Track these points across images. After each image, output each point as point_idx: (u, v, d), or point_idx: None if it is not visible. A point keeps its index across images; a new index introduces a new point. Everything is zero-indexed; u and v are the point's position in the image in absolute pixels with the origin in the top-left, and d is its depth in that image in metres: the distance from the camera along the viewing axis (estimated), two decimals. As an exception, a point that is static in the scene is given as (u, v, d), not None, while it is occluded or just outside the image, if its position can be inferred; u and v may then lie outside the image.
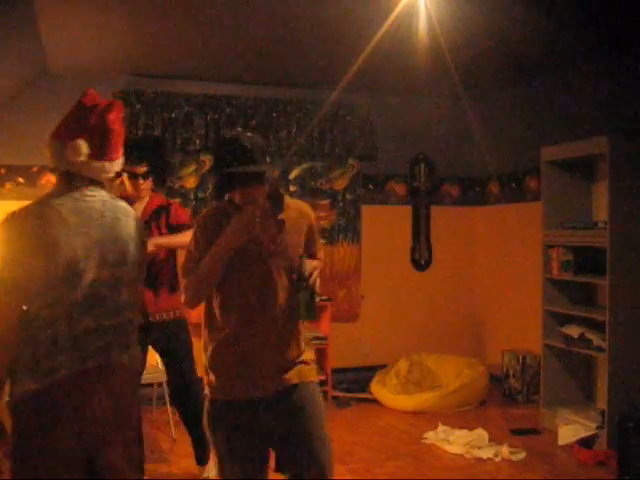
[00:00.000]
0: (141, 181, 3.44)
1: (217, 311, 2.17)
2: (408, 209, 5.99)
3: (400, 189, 5.97)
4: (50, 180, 4.98)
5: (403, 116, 5.76)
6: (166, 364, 3.61)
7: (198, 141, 5.17)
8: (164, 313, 3.43)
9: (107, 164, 2.05)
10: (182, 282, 2.17)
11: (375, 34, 3.80)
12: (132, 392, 2.04)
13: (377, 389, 5.27)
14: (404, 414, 4.93)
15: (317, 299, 2.16)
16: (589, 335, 4.29)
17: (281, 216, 2.19)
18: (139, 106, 5.06)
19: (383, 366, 5.54)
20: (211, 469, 3.41)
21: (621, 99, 4.38)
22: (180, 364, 3.50)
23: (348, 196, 5.72)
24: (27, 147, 4.91)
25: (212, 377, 2.17)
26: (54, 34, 4.02)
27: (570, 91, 4.88)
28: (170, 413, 4.29)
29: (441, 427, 4.47)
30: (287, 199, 2.26)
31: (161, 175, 3.56)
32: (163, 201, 3.59)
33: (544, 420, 4.60)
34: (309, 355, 2.25)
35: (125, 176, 3.43)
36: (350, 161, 5.70)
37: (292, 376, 2.17)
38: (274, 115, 5.43)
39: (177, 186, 5.16)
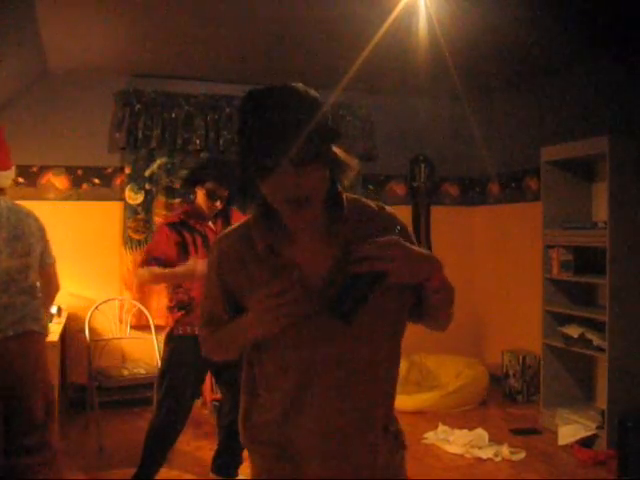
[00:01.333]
0: (218, 204, 3.34)
1: (259, 377, 1.48)
2: (408, 209, 5.99)
3: (400, 189, 5.97)
4: (50, 180, 4.99)
5: (403, 116, 5.76)
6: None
7: (198, 141, 5.16)
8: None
9: (4, 173, 2.92)
10: (199, 331, 1.58)
11: (375, 34, 3.80)
12: (43, 351, 2.81)
13: (377, 389, 5.26)
14: (404, 414, 4.92)
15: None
16: (589, 335, 4.29)
17: (343, 235, 1.38)
18: (139, 106, 5.06)
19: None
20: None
21: (621, 99, 4.38)
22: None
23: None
24: (28, 147, 4.92)
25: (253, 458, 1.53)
26: (54, 34, 4.02)
27: (570, 91, 4.88)
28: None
29: (441, 427, 4.47)
30: (357, 201, 1.49)
31: (232, 198, 3.40)
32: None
33: (544, 420, 4.60)
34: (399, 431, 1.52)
35: (203, 191, 3.34)
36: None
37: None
38: (274, 115, 5.42)
39: (177, 186, 5.15)
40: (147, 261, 3.30)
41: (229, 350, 1.52)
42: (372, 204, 1.49)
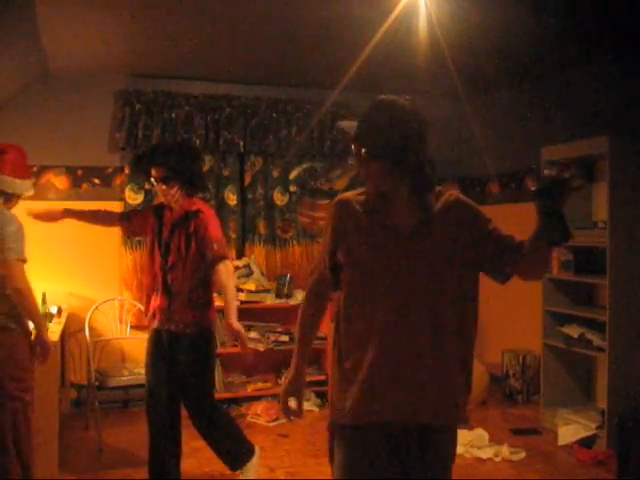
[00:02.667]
0: (163, 186, 3.19)
1: (344, 325, 1.81)
2: (408, 209, 5.99)
3: (400, 189, 5.96)
4: (50, 180, 4.99)
5: (403, 116, 5.75)
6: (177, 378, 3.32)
7: (198, 141, 5.16)
8: (173, 324, 3.22)
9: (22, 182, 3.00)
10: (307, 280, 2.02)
11: (375, 34, 3.80)
12: (23, 346, 2.85)
13: (377, 389, 5.26)
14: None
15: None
16: (589, 335, 4.29)
17: (426, 205, 1.78)
18: (139, 106, 5.06)
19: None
20: (248, 471, 3.38)
21: (621, 99, 4.38)
22: (185, 382, 3.26)
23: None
24: (28, 147, 4.86)
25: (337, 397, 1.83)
26: (54, 34, 4.02)
27: (570, 91, 4.88)
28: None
29: (441, 427, 4.46)
30: (448, 194, 1.88)
31: (187, 182, 3.24)
32: (192, 207, 3.25)
33: (544, 420, 4.60)
34: (466, 395, 1.84)
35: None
36: (350, 161, 5.69)
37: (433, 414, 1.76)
38: (274, 115, 5.43)
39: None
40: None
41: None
42: (457, 194, 1.90)
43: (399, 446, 1.76)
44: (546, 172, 1.61)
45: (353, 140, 1.80)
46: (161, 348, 3.28)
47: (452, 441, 1.85)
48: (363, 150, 1.76)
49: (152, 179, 3.26)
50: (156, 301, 3.28)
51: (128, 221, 3.52)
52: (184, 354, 3.23)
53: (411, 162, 1.80)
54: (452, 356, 1.75)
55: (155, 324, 3.28)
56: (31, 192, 3.10)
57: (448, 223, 1.77)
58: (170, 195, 3.23)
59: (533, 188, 1.63)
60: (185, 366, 3.25)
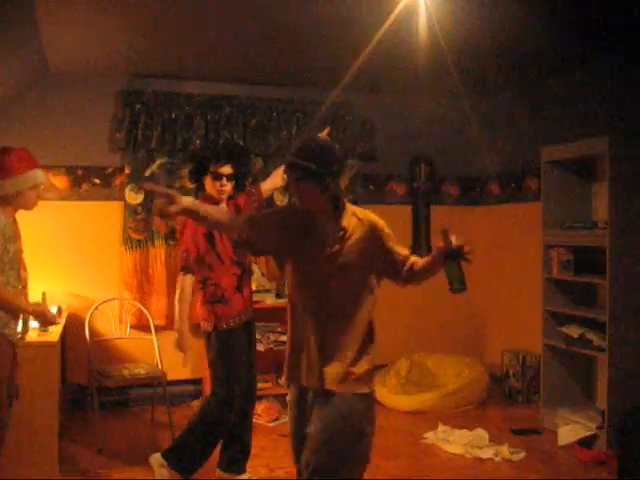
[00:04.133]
0: (225, 182, 3.39)
1: (289, 298, 2.40)
2: (408, 209, 5.99)
3: (400, 189, 5.97)
4: (50, 180, 4.98)
5: (403, 116, 5.76)
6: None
7: (198, 141, 5.16)
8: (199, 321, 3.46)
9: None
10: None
11: (375, 34, 3.80)
12: (11, 355, 2.79)
13: (377, 389, 5.26)
14: (404, 414, 4.93)
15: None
16: (589, 335, 4.29)
17: (343, 224, 2.26)
18: (139, 106, 5.06)
19: (383, 366, 5.53)
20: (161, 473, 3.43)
21: (622, 99, 4.38)
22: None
23: (348, 196, 5.72)
24: (28, 147, 4.89)
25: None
26: (54, 34, 4.02)
27: (570, 91, 4.88)
28: (170, 413, 4.29)
29: (441, 427, 4.47)
30: (356, 210, 2.33)
31: (242, 181, 3.52)
32: (239, 201, 3.55)
33: (544, 420, 4.60)
34: (359, 368, 2.28)
35: (209, 177, 3.40)
36: (350, 161, 5.69)
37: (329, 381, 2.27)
38: (274, 115, 5.43)
39: (177, 186, 5.15)
40: (187, 267, 3.42)
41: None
42: (370, 214, 2.35)
43: (307, 404, 2.32)
44: (453, 239, 2.24)
45: (286, 167, 2.26)
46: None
47: (350, 402, 2.26)
48: (294, 174, 2.21)
49: (212, 175, 3.38)
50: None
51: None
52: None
53: (331, 186, 2.21)
54: (350, 335, 2.27)
55: (231, 323, 3.40)
56: (30, 183, 2.92)
57: (359, 237, 2.27)
58: (226, 193, 3.43)
59: (443, 255, 2.23)
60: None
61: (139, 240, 5.09)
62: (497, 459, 3.98)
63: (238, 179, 3.47)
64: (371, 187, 5.84)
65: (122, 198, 5.10)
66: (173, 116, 5.14)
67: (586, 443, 4.11)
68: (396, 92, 5.63)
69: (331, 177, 2.19)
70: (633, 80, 4.29)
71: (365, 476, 3.53)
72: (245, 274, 3.50)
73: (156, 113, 5.10)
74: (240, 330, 3.44)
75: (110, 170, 5.16)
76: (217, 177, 3.38)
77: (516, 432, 4.46)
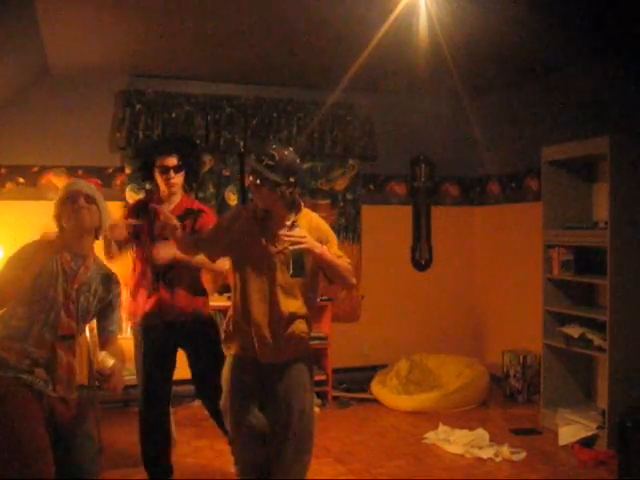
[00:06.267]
0: (172, 175, 3.28)
1: (234, 292, 2.66)
2: (408, 209, 5.99)
3: (400, 189, 5.97)
4: (50, 180, 4.99)
5: (403, 116, 5.76)
6: (190, 366, 3.48)
7: (198, 141, 5.15)
8: (180, 313, 3.33)
9: None
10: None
11: (375, 34, 3.80)
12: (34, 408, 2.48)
13: (377, 389, 5.27)
14: (404, 414, 4.93)
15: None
16: (589, 335, 4.29)
17: (295, 223, 2.53)
18: (139, 106, 5.06)
19: (383, 366, 5.53)
20: None
21: (622, 99, 4.38)
22: (204, 364, 3.36)
23: (348, 196, 5.72)
24: (28, 147, 4.92)
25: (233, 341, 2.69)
26: (55, 34, 4.02)
27: (571, 91, 4.87)
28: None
29: (441, 427, 4.47)
30: (312, 215, 2.67)
31: (193, 174, 3.42)
32: (194, 205, 3.42)
33: (544, 420, 4.60)
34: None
35: (156, 171, 3.31)
36: (350, 161, 5.69)
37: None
38: (274, 115, 5.42)
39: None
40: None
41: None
42: (312, 214, 2.71)
43: (261, 374, 2.62)
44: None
45: (250, 172, 2.53)
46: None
47: (298, 371, 2.64)
48: (257, 179, 2.49)
49: (158, 169, 3.29)
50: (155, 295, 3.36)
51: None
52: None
53: (286, 194, 2.49)
54: (291, 315, 2.58)
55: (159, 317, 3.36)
56: None
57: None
58: (176, 186, 3.32)
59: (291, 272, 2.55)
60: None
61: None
62: (497, 459, 3.97)
63: (187, 172, 3.36)
64: (371, 187, 5.84)
65: (122, 198, 5.10)
66: (173, 116, 5.14)
67: (586, 443, 4.10)
68: (396, 92, 5.63)
69: (287, 187, 2.47)
70: (634, 80, 4.29)
71: (366, 476, 3.54)
72: (161, 275, 3.38)
73: (156, 113, 5.10)
74: (151, 330, 3.41)
75: (110, 170, 5.15)
76: (164, 170, 3.28)
77: (516, 432, 4.46)
